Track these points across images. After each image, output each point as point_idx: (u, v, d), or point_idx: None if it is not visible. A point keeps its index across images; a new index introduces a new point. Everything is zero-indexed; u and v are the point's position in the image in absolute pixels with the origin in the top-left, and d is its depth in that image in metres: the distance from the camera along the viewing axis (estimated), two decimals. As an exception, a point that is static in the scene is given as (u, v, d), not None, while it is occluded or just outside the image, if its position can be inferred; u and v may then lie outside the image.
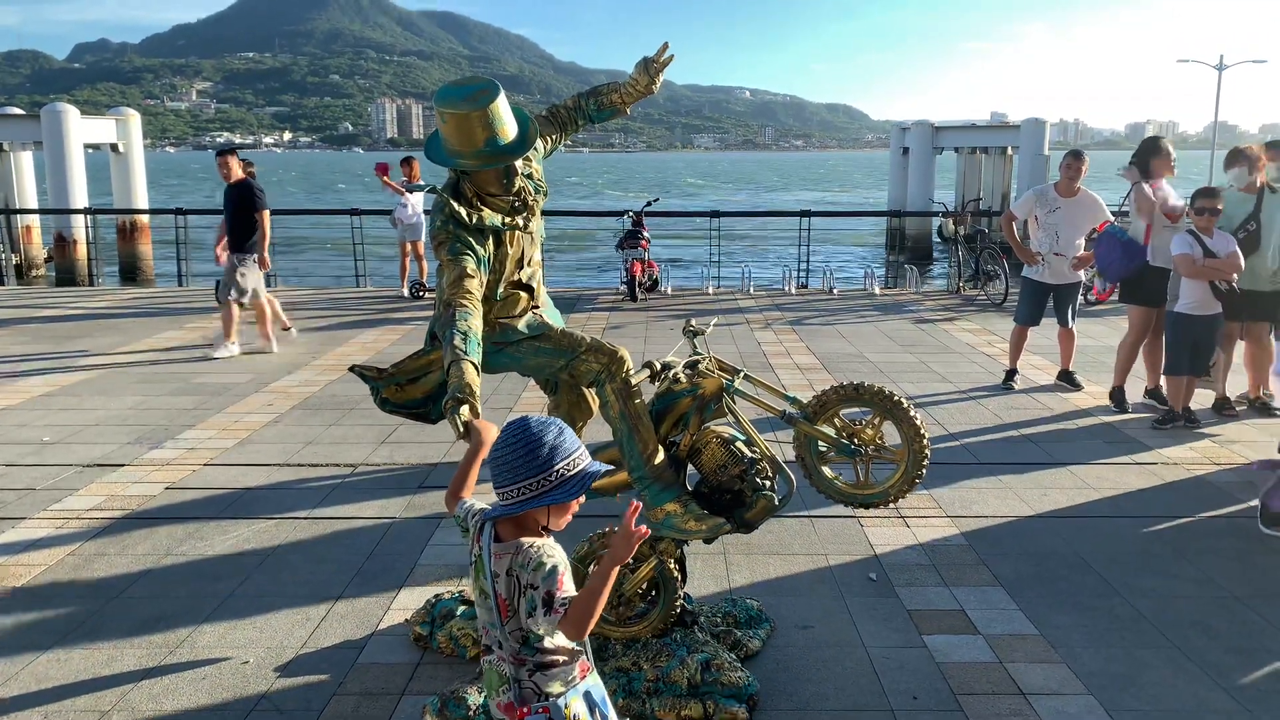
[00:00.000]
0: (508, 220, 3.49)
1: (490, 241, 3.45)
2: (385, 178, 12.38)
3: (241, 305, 9.03)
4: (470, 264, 3.31)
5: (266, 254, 9.11)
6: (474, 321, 3.17)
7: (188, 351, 9.18)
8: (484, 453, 2.46)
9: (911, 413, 3.56)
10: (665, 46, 3.87)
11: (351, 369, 3.71)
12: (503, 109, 3.37)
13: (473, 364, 3.06)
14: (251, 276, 8.97)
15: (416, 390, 3.66)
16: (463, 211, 3.37)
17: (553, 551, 2.13)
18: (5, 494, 5.35)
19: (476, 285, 3.30)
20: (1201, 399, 6.99)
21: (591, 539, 3.52)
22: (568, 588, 2.06)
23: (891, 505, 3.72)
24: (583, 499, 2.20)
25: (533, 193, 3.61)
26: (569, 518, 2.20)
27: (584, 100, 3.94)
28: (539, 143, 3.74)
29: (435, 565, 4.46)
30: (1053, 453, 6.13)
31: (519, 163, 3.50)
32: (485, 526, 2.19)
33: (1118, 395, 7.12)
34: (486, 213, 3.43)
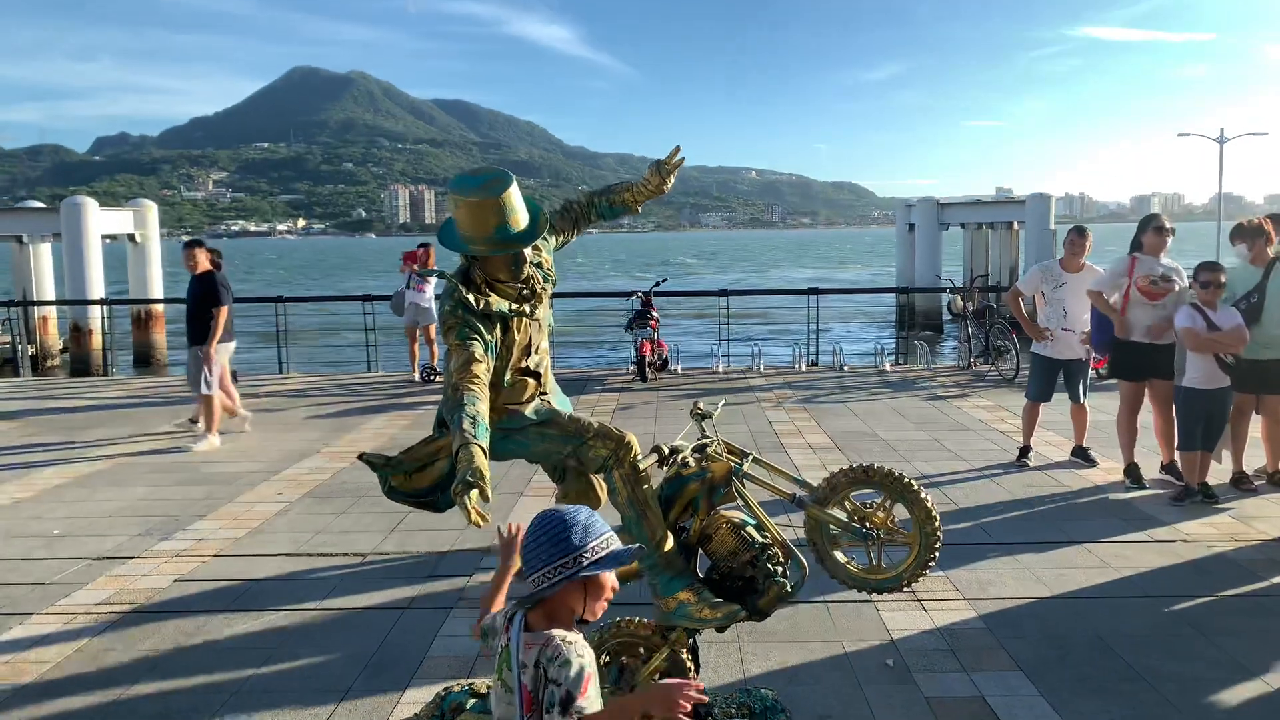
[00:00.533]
0: (515, 307, 3.53)
1: (498, 328, 3.49)
2: (414, 266, 12.69)
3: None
4: (478, 349, 3.35)
5: (213, 349, 8.94)
6: (481, 406, 3.19)
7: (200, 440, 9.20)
8: (514, 568, 2.44)
9: (922, 495, 3.54)
10: (676, 150, 3.95)
11: (360, 457, 3.72)
12: (514, 198, 3.44)
13: (481, 448, 3.06)
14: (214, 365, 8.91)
15: (424, 479, 3.67)
16: (471, 297, 3.42)
17: (583, 652, 2.10)
18: (15, 589, 5.32)
19: (484, 370, 3.33)
20: (1219, 474, 6.92)
21: (602, 630, 3.48)
22: (590, 696, 2.03)
23: (906, 588, 3.67)
24: (617, 586, 2.20)
25: (541, 281, 3.65)
26: (604, 605, 2.19)
27: (597, 198, 4.03)
28: (549, 235, 3.81)
29: (445, 657, 4.39)
30: (1069, 531, 6.06)
31: (528, 251, 3.56)
32: (516, 616, 2.17)
33: (1133, 471, 7.05)
34: (494, 299, 3.48)
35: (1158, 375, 6.97)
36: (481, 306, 3.43)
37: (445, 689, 3.88)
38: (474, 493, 2.89)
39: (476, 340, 3.36)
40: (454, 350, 3.37)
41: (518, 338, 3.57)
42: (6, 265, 25.02)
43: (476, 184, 3.41)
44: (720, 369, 13.72)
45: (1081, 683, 4.07)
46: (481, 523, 2.88)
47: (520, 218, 3.46)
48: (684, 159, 3.94)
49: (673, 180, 3.97)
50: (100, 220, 22.58)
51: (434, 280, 12.75)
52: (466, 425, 3.09)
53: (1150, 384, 7.06)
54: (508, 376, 3.58)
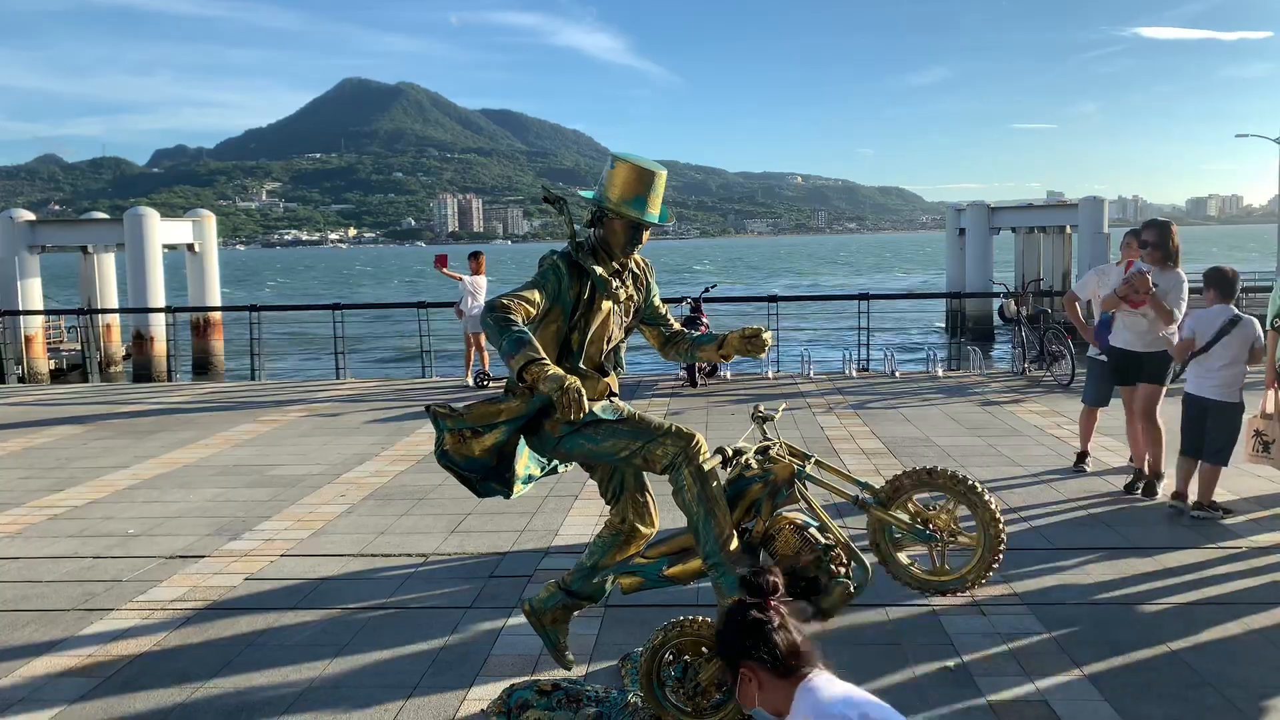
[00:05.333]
0: (603, 276, 3.66)
1: (582, 288, 3.63)
2: (444, 269, 13.03)
3: None
4: (539, 294, 3.55)
5: None
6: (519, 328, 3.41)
7: (263, 444, 9.43)
8: None
9: (985, 497, 3.56)
10: (764, 339, 3.88)
11: (427, 408, 3.77)
12: (662, 186, 3.73)
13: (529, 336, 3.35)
14: None
15: (475, 446, 3.68)
16: (573, 245, 3.65)
17: None
18: (94, 585, 5.52)
19: (532, 308, 3.52)
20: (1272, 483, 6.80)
21: (665, 629, 3.53)
22: None
23: (968, 592, 3.69)
24: None
25: (633, 281, 3.80)
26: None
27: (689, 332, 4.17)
28: (656, 294, 3.98)
29: (508, 655, 4.48)
30: (1129, 536, 6.00)
31: (638, 259, 3.78)
32: None
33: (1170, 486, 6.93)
34: (591, 260, 3.67)
35: (1144, 380, 6.92)
36: (578, 255, 3.61)
37: (512, 685, 3.98)
38: (572, 388, 3.19)
39: (547, 291, 3.59)
40: (531, 280, 3.60)
41: (599, 312, 3.68)
42: (73, 275, 25.74)
43: (641, 157, 3.77)
44: (770, 374, 13.73)
45: (1147, 688, 4.04)
46: (580, 416, 3.24)
47: (658, 203, 3.72)
48: (766, 349, 3.93)
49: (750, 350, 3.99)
50: (162, 230, 23.16)
51: (483, 288, 13.02)
52: (527, 340, 3.33)
53: (1137, 389, 6.99)
54: (581, 356, 3.69)
